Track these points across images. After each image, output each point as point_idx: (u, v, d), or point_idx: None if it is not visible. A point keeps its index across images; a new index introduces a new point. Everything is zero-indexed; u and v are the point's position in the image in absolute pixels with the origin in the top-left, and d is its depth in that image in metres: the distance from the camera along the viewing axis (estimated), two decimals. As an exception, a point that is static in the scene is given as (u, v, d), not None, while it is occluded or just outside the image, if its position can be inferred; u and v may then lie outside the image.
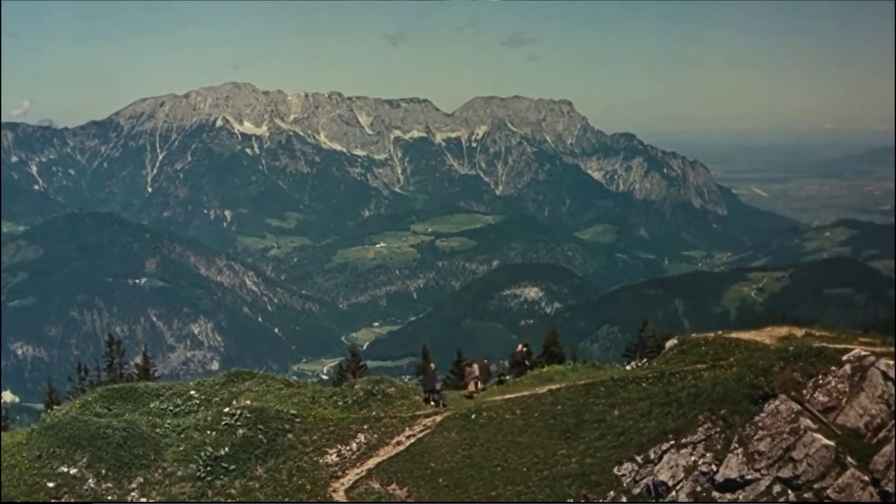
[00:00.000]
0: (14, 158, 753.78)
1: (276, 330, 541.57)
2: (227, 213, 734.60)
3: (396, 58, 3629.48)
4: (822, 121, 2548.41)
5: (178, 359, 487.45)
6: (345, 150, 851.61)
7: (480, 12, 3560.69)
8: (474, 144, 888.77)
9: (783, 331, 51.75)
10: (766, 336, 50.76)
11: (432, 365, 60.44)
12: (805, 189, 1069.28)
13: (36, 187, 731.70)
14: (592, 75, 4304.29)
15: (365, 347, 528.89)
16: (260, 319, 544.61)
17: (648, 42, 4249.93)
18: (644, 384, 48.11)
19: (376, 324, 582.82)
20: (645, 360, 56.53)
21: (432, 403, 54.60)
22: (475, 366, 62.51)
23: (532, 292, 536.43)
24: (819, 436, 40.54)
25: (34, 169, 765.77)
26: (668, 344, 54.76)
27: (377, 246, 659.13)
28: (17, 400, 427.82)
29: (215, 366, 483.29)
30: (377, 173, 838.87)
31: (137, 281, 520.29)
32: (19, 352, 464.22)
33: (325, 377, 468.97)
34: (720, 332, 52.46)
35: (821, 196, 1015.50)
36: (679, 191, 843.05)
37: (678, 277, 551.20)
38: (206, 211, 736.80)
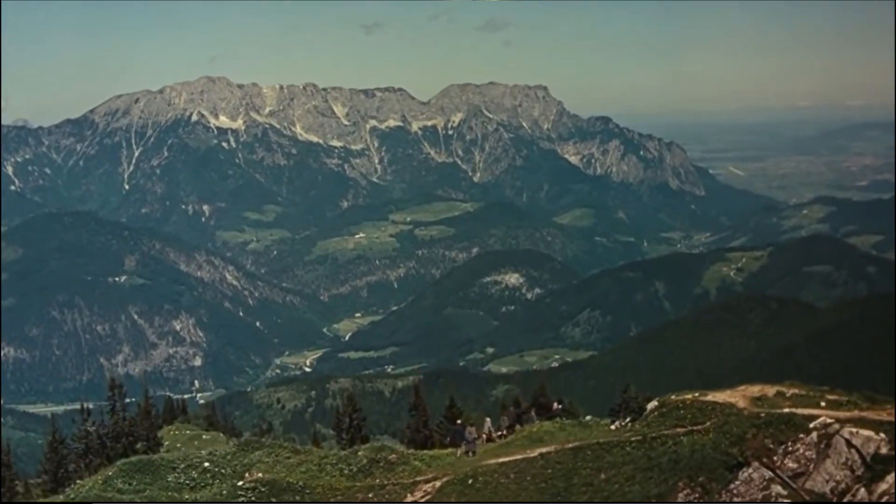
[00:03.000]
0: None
1: (258, 324, 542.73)
2: (205, 207, 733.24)
3: (370, 47, 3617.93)
4: (796, 98, 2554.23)
5: (161, 356, 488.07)
6: (321, 141, 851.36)
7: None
8: (451, 132, 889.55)
9: (756, 389, 53.92)
10: (739, 397, 52.73)
11: (459, 421, 66.12)
12: (782, 167, 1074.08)
13: (12, 187, 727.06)
14: (567, 58, 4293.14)
15: (347, 338, 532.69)
16: (241, 314, 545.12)
17: (621, 24, 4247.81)
18: (628, 448, 49.94)
19: (358, 314, 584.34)
20: (628, 419, 58.56)
21: (468, 454, 59.47)
22: (487, 419, 68.34)
23: (513, 279, 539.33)
24: (788, 502, 42.55)
25: (10, 169, 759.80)
26: (649, 406, 56.70)
27: (356, 236, 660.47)
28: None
29: (198, 361, 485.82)
30: (354, 163, 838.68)
31: (117, 279, 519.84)
32: (1, 353, 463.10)
33: (308, 369, 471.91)
34: (696, 395, 54.24)
35: (798, 173, 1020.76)
36: (656, 172, 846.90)
37: (658, 259, 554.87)
38: (184, 206, 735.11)
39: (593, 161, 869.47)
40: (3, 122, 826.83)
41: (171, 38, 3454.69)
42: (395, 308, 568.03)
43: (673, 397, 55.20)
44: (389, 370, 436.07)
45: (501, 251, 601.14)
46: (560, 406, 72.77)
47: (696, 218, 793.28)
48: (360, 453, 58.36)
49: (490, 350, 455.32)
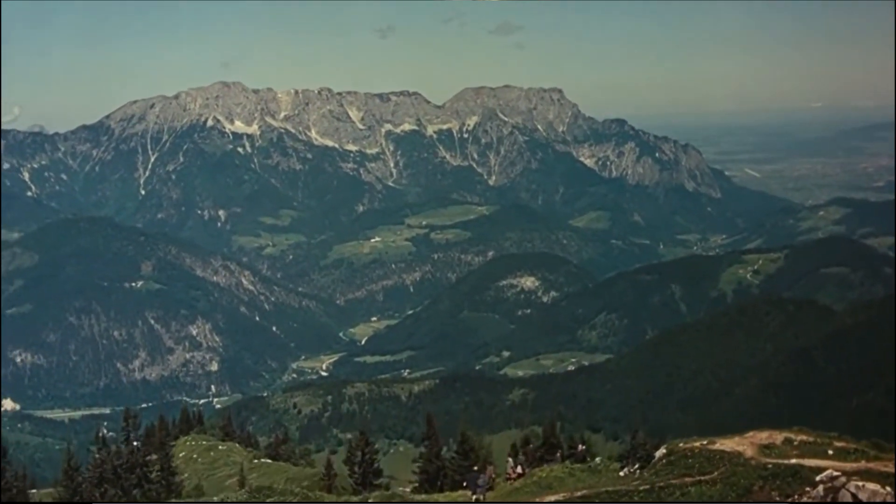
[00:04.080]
0: (6, 165, 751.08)
1: (275, 328, 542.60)
2: (220, 212, 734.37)
3: (385, 51, 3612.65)
4: (811, 99, 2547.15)
5: (178, 361, 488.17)
6: (336, 145, 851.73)
7: (467, 2, 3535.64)
8: (466, 135, 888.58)
9: (764, 436, 54.17)
10: (747, 444, 52.87)
11: (475, 468, 68.17)
12: (797, 168, 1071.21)
13: (29, 194, 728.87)
14: (581, 60, 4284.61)
15: (363, 342, 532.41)
16: (258, 318, 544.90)
17: (634, 25, 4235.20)
18: (636, 498, 49.93)
19: (374, 318, 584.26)
20: (637, 466, 58.64)
21: (477, 497, 60.76)
22: (510, 460, 71.20)
23: (528, 282, 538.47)
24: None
25: (26, 175, 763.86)
26: (658, 453, 56.64)
27: (372, 241, 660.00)
28: (17, 407, 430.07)
29: (214, 367, 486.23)
30: (369, 168, 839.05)
31: (134, 284, 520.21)
32: (18, 359, 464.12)
33: (324, 374, 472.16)
34: (705, 443, 54.09)
35: (813, 175, 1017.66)
36: (672, 174, 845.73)
37: (674, 262, 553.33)
38: (199, 211, 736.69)
39: (609, 163, 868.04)
40: (20, 129, 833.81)
41: (186, 44, 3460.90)
42: (410, 312, 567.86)
43: (681, 445, 55.10)
44: (406, 374, 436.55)
45: (517, 254, 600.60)
46: (584, 447, 74.02)
47: (712, 220, 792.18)
48: (369, 501, 58.51)
49: (506, 354, 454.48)
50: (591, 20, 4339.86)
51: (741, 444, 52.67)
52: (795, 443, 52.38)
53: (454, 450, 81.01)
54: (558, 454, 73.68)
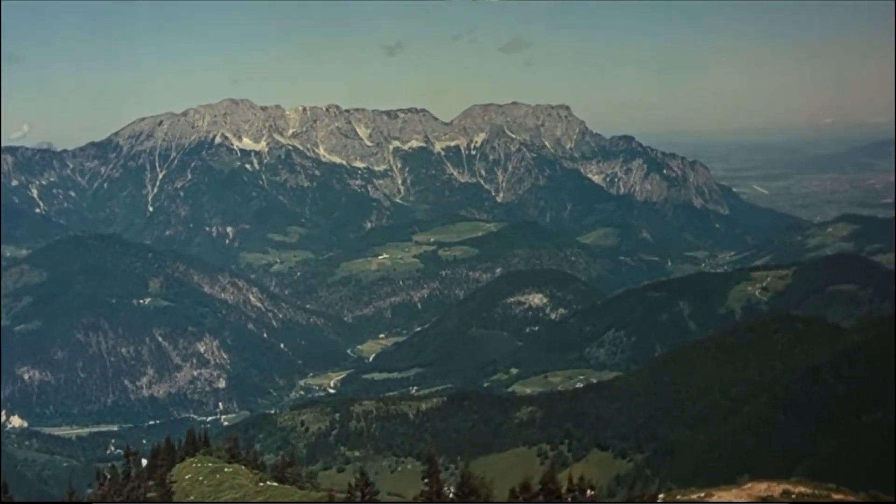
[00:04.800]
0: (14, 182, 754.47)
1: (282, 345, 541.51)
2: (228, 229, 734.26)
3: (393, 68, 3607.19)
4: (820, 115, 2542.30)
5: (185, 378, 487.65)
6: (344, 162, 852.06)
7: (477, 19, 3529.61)
8: (473, 152, 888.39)
9: (762, 487, 53.82)
10: (745, 496, 52.55)
11: None
12: (806, 185, 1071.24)
13: (37, 210, 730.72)
14: (589, 77, 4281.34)
15: (371, 360, 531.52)
16: (265, 335, 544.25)
17: (645, 42, 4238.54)
18: None
19: (382, 335, 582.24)
20: None
21: None
22: None
23: (536, 299, 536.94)
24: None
25: (35, 192, 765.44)
26: None
27: (380, 258, 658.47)
28: (25, 424, 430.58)
29: (222, 384, 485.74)
30: (377, 185, 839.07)
31: (142, 301, 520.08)
32: (26, 376, 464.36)
33: (332, 391, 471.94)
34: (702, 495, 53.72)
35: (822, 191, 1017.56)
36: (680, 191, 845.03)
37: (682, 279, 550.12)
38: (207, 228, 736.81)
39: (616, 180, 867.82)
40: (28, 146, 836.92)
41: (194, 61, 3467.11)
42: (418, 329, 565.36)
43: (679, 497, 54.55)
44: (413, 391, 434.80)
45: (525, 271, 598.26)
46: (593, 493, 73.70)
47: (721, 237, 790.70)
48: None
49: (514, 371, 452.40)
50: (599, 36, 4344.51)
51: (739, 496, 52.25)
52: (794, 495, 51.81)
53: (454, 491, 79.80)
54: (569, 500, 73.30)
